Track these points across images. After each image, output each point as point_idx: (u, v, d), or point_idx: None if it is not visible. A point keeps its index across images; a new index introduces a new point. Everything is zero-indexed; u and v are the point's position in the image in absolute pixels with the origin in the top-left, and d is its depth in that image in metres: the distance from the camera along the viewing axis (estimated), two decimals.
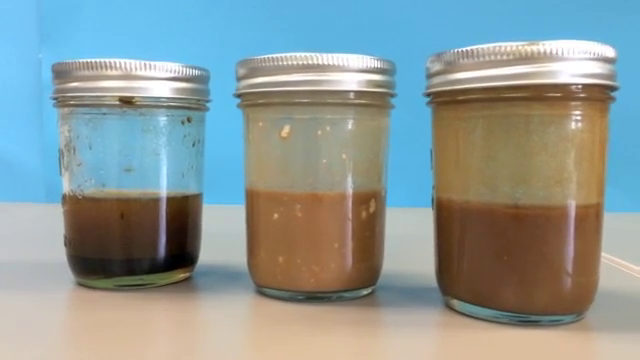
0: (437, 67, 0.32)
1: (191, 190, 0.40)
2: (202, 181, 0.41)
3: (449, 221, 0.33)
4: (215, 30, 0.86)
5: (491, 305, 0.31)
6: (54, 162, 0.39)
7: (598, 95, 0.30)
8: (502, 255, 0.30)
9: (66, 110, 0.37)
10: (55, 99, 0.37)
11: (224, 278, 0.41)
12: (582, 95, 0.29)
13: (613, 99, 0.31)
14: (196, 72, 0.38)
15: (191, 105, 0.38)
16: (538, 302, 0.30)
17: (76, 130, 0.37)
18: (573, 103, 0.29)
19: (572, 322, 0.31)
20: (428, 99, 0.34)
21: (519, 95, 0.29)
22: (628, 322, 0.32)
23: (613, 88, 0.30)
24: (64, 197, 0.38)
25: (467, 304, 0.32)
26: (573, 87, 0.29)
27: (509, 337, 0.29)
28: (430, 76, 0.33)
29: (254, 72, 0.34)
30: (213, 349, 0.28)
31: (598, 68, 0.29)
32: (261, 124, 0.35)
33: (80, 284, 0.38)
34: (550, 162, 0.29)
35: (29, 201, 0.89)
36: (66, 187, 0.38)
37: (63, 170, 0.38)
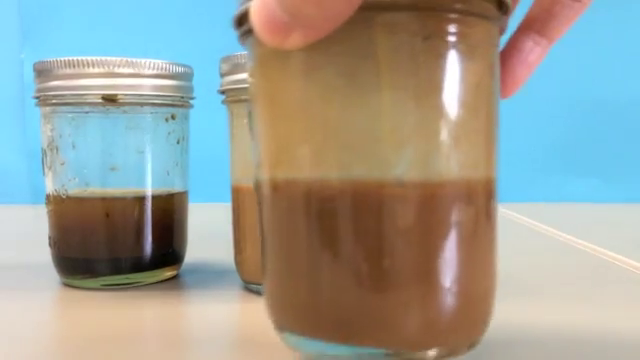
0: None
1: (176, 188, 0.39)
2: (187, 179, 0.41)
3: (290, 216, 0.21)
4: (199, 27, 0.86)
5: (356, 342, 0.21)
6: (39, 163, 0.39)
7: (482, 10, 0.20)
8: (383, 260, 0.20)
9: (48, 109, 0.37)
10: (37, 98, 0.37)
11: (211, 275, 0.41)
12: (458, 6, 0.20)
13: (504, 23, 0.23)
14: (180, 69, 0.38)
15: (175, 102, 0.38)
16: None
17: (59, 129, 0.36)
18: (447, 16, 0.20)
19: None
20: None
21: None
22: None
23: (503, 4, 0.21)
24: (48, 197, 0.38)
25: (319, 342, 0.21)
26: None
27: None
28: None
29: (238, 68, 0.34)
30: (201, 346, 0.28)
31: None
32: (246, 120, 0.35)
33: (66, 284, 0.38)
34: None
35: (15, 203, 0.87)
36: (50, 187, 0.37)
37: (46, 170, 0.37)
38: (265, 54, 0.21)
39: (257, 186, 0.23)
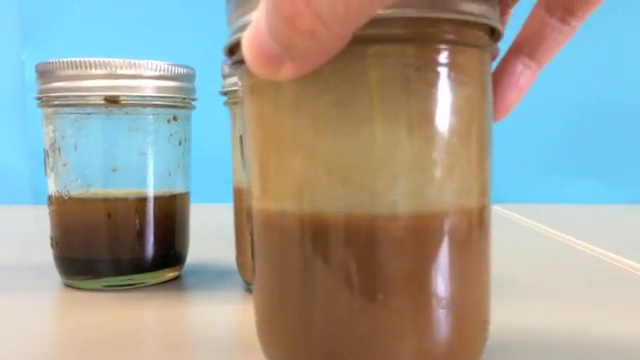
0: None
1: (178, 189, 0.40)
2: (189, 180, 0.41)
3: (281, 248, 0.21)
4: (201, 28, 0.86)
5: None
6: (40, 163, 0.39)
7: (474, 39, 0.20)
8: (377, 294, 0.20)
9: (50, 110, 0.37)
10: (39, 99, 0.37)
11: (213, 277, 0.41)
12: (450, 36, 0.20)
13: (496, 49, 0.23)
14: (182, 70, 0.38)
15: (177, 103, 0.38)
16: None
17: (61, 130, 0.36)
18: (439, 46, 0.20)
19: None
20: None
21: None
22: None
23: (495, 31, 0.21)
24: (50, 198, 0.38)
25: None
26: (436, 24, 0.19)
27: None
28: None
29: None
30: (203, 347, 0.28)
31: (473, 3, 0.20)
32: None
33: (67, 285, 0.38)
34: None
35: (16, 203, 0.88)
36: (52, 188, 0.37)
37: (49, 171, 0.38)
38: (257, 84, 0.21)
39: (249, 213, 0.23)
